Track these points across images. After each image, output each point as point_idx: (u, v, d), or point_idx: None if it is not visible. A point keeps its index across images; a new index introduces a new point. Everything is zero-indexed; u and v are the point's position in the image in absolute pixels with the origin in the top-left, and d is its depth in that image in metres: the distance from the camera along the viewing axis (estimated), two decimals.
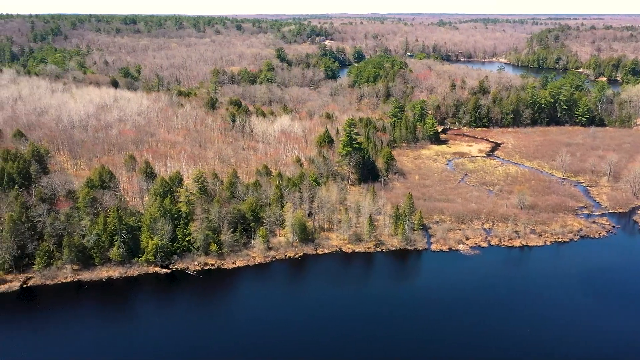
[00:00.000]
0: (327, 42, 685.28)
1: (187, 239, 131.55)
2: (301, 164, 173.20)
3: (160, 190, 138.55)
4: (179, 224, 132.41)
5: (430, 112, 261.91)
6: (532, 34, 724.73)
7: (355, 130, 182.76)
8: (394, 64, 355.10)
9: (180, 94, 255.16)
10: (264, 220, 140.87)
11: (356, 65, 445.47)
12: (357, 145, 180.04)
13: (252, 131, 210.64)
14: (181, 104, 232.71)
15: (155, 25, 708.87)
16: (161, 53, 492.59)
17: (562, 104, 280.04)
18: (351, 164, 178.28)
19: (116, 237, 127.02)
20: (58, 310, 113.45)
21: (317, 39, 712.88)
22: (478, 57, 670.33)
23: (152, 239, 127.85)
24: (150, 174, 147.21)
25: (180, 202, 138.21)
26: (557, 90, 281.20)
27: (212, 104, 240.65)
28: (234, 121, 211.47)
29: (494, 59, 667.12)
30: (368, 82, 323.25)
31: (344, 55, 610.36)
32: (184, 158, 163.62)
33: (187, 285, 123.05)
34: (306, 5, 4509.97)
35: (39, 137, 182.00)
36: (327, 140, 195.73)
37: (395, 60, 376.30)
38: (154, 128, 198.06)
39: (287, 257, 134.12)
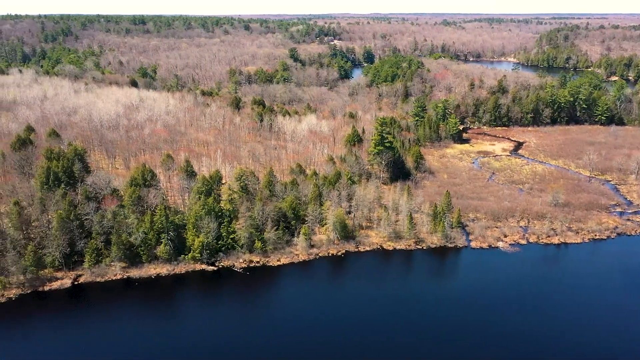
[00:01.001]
0: (336, 42, 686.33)
1: (231, 236, 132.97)
2: (334, 163, 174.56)
3: (203, 189, 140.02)
4: (223, 222, 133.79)
5: (450, 111, 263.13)
6: (541, 34, 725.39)
7: (387, 130, 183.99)
8: (411, 64, 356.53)
9: (203, 93, 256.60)
10: (306, 218, 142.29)
11: (372, 64, 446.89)
12: (388, 144, 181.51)
13: (278, 130, 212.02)
14: (207, 104, 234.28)
15: (164, 25, 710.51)
16: (174, 53, 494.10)
17: (581, 103, 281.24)
18: (383, 162, 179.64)
19: (163, 234, 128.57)
20: (108, 306, 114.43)
21: (326, 38, 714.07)
22: (487, 57, 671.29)
23: (198, 237, 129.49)
24: (191, 173, 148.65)
25: (224, 200, 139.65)
26: (576, 89, 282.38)
27: (237, 104, 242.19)
28: (261, 120, 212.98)
29: (502, 59, 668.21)
30: (386, 81, 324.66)
31: (354, 55, 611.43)
32: (220, 157, 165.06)
33: (233, 283, 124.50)
34: (308, 5, 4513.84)
35: (72, 136, 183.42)
36: (356, 140, 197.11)
37: (412, 60, 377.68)
38: (184, 127, 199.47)
39: (329, 254, 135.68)
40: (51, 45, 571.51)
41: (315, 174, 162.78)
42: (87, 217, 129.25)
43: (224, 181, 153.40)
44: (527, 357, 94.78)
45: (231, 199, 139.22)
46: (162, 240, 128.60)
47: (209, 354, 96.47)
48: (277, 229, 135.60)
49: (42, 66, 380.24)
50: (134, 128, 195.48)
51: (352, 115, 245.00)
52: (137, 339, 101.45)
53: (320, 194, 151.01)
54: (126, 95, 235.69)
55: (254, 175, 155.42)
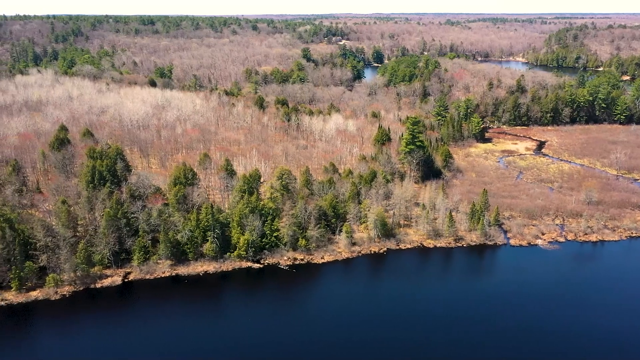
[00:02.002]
0: (344, 42, 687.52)
1: (274, 234, 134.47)
2: (367, 162, 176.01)
3: (245, 187, 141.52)
4: (266, 221, 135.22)
5: (472, 110, 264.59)
6: (550, 33, 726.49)
7: (418, 129, 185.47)
8: (428, 64, 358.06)
9: (226, 93, 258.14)
10: (347, 216, 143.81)
11: (381, 64, 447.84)
12: (419, 143, 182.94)
13: (305, 129, 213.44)
14: (232, 104, 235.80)
15: (173, 25, 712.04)
16: (187, 53, 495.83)
17: (600, 102, 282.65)
18: (414, 161, 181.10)
19: (209, 232, 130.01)
20: (158, 303, 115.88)
21: (334, 38, 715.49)
22: (495, 57, 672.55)
23: (243, 235, 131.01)
24: (231, 172, 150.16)
25: (266, 198, 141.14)
26: (595, 88, 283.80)
27: (261, 103, 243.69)
28: (288, 120, 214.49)
29: (510, 58, 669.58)
30: (403, 81, 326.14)
31: (363, 55, 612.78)
32: (255, 156, 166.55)
33: (278, 280, 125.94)
34: (310, 6, 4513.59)
35: (104, 136, 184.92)
36: (384, 139, 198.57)
37: (429, 60, 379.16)
38: (214, 127, 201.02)
39: (371, 252, 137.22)
40: (62, 46, 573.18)
41: (350, 172, 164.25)
42: (133, 215, 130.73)
43: (262, 180, 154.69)
44: (572, 356, 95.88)
45: (273, 197, 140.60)
46: (208, 238, 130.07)
47: (253, 351, 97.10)
48: (319, 227, 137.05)
49: (59, 67, 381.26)
50: (164, 128, 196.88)
51: (374, 115, 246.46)
52: (185, 336, 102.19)
53: (358, 192, 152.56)
54: (152, 96, 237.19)
55: (290, 174, 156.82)
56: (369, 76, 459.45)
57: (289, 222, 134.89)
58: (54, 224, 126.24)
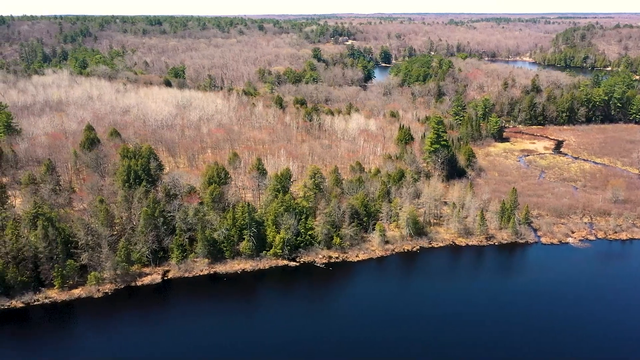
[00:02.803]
0: (351, 42, 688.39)
1: (309, 233, 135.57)
2: (393, 161, 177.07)
3: (278, 186, 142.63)
4: (301, 219, 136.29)
5: (488, 110, 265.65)
6: (557, 33, 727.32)
7: (443, 128, 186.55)
8: (442, 64, 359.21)
9: (245, 93, 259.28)
10: (380, 215, 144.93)
11: (389, 64, 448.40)
12: (444, 143, 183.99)
13: (326, 129, 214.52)
14: (252, 104, 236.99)
15: (180, 26, 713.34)
16: (198, 53, 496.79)
17: (616, 101, 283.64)
18: (439, 160, 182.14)
19: (245, 231, 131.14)
20: (197, 301, 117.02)
21: (340, 38, 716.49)
22: (502, 56, 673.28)
23: (279, 233, 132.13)
24: (262, 171, 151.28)
25: (299, 197, 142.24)
26: (610, 88, 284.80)
27: (280, 103, 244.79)
28: (310, 120, 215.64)
29: (517, 58, 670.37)
30: (418, 80, 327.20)
31: (371, 55, 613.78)
32: (284, 155, 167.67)
33: (315, 278, 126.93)
34: (312, 5, 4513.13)
35: (130, 136, 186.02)
36: (407, 138, 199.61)
37: (443, 60, 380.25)
38: (238, 127, 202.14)
39: (404, 250, 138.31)
40: (71, 46, 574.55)
41: (378, 171, 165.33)
42: (170, 214, 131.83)
43: (293, 179, 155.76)
44: (609, 354, 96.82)
45: (307, 196, 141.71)
46: (245, 236, 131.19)
47: (288, 347, 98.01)
48: (353, 225, 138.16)
49: (71, 67, 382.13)
50: (188, 127, 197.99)
51: (393, 115, 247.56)
52: (222, 333, 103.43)
53: (388, 191, 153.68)
54: (172, 96, 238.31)
55: (320, 173, 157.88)
56: (378, 76, 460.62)
57: (323, 221, 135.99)
58: (92, 222, 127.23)
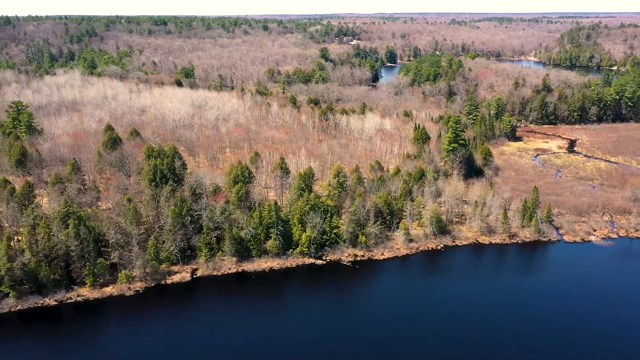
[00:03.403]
0: (356, 42, 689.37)
1: (334, 231, 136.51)
2: (412, 160, 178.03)
3: (303, 185, 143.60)
4: (326, 218, 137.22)
5: (501, 109, 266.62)
6: (562, 33, 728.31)
7: (461, 127, 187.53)
8: (452, 63, 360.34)
9: (259, 93, 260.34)
10: (403, 213, 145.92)
11: (407, 63, 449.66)
12: (462, 142, 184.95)
13: (342, 128, 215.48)
14: (268, 103, 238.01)
15: (185, 26, 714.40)
16: (205, 53, 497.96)
17: (627, 101, 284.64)
18: (457, 159, 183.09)
19: (272, 229, 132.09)
20: (227, 299, 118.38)
21: (345, 38, 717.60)
22: (506, 56, 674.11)
23: (305, 232, 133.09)
24: (286, 170, 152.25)
25: (324, 196, 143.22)
26: (621, 87, 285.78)
27: (294, 103, 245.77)
28: (326, 119, 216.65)
29: (522, 58, 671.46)
30: (428, 80, 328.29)
31: (377, 55, 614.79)
32: (304, 154, 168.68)
33: (342, 276, 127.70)
34: (313, 5, 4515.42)
35: (149, 135, 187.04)
36: (424, 138, 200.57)
37: (453, 60, 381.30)
38: (256, 126, 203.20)
39: (429, 248, 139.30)
40: (77, 47, 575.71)
41: (398, 170, 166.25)
42: (197, 213, 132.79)
43: (315, 177, 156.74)
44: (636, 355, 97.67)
45: (331, 194, 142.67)
46: (271, 235, 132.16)
47: (312, 346, 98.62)
48: (378, 224, 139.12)
49: (80, 67, 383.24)
50: (205, 127, 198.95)
51: (406, 114, 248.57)
52: (251, 331, 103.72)
53: (410, 190, 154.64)
54: (187, 95, 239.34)
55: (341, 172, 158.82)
56: (384, 76, 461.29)
57: (348, 219, 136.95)
58: (120, 221, 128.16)
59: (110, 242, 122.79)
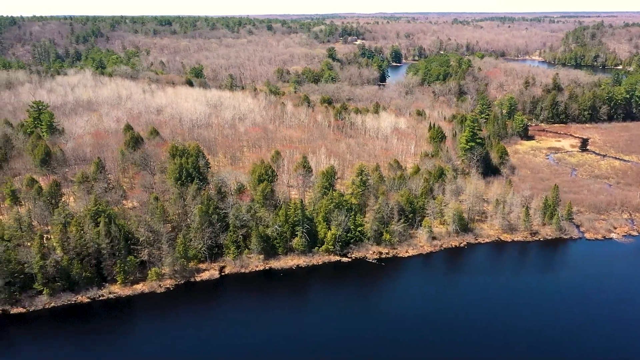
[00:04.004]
0: (360, 42, 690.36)
1: (358, 229, 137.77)
2: (430, 158, 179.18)
3: (327, 183, 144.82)
4: (349, 216, 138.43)
5: (513, 108, 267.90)
6: (567, 32, 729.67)
7: (478, 126, 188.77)
8: (461, 63, 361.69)
9: (272, 92, 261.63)
10: (426, 211, 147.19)
11: (415, 63, 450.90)
12: (479, 141, 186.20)
13: (357, 127, 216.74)
14: (282, 103, 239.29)
15: (190, 26, 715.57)
16: (213, 53, 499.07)
17: (637, 99, 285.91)
18: (475, 158, 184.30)
19: (297, 227, 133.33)
20: (256, 296, 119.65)
21: (349, 38, 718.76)
22: (511, 55, 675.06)
23: (330, 230, 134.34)
24: (308, 169, 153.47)
25: (347, 194, 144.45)
26: (631, 86, 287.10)
27: (308, 102, 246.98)
28: (342, 118, 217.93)
29: (526, 57, 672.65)
30: (438, 79, 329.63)
31: (382, 54, 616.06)
32: (324, 153, 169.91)
33: (367, 273, 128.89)
34: (314, 5, 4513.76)
35: (168, 134, 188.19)
36: (440, 137, 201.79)
37: (462, 59, 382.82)
38: (273, 125, 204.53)
39: (452, 246, 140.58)
40: (84, 47, 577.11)
41: (418, 169, 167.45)
42: (224, 211, 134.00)
43: (337, 176, 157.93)
44: None
45: (355, 193, 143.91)
46: (297, 233, 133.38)
47: (337, 343, 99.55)
48: (402, 222, 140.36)
49: (89, 67, 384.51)
50: (222, 126, 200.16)
51: (419, 113, 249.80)
52: (279, 328, 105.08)
53: (431, 188, 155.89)
54: (202, 95, 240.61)
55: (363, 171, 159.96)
56: (391, 75, 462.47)
57: (372, 217, 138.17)
58: (147, 219, 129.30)
59: (140, 240, 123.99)
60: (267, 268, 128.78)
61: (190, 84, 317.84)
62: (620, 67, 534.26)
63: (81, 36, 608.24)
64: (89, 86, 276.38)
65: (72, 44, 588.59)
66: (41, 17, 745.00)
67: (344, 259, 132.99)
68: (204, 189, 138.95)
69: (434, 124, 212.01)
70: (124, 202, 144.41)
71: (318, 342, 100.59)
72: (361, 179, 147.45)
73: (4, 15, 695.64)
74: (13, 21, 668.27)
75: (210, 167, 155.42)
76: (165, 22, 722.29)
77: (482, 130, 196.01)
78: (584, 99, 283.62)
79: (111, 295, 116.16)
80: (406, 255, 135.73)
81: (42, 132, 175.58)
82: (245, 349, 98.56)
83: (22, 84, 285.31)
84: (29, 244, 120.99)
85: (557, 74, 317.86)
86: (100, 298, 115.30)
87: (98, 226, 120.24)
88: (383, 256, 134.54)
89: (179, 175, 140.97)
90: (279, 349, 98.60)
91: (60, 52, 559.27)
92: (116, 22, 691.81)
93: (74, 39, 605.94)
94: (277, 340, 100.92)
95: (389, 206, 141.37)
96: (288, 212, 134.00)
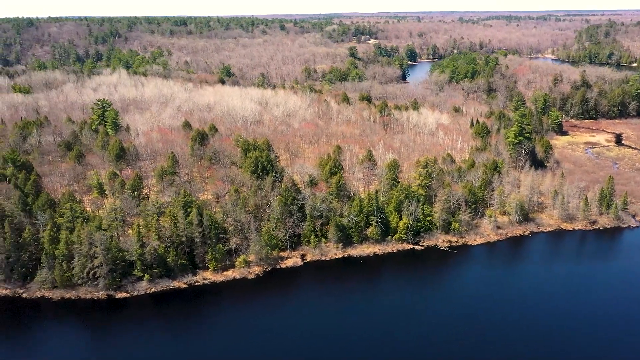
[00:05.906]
0: (373, 41, 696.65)
1: (427, 219, 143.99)
2: (479, 152, 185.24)
3: (394, 176, 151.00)
4: (418, 206, 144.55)
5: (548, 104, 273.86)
6: (580, 30, 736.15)
7: (527, 121, 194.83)
8: (488, 61, 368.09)
9: (311, 90, 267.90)
10: (487, 202, 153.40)
11: (440, 62, 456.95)
12: (527, 135, 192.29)
13: (402, 123, 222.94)
14: (326, 100, 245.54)
15: (205, 26, 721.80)
16: (234, 53, 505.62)
17: None
18: (523, 152, 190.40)
19: (372, 217, 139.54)
20: (336, 282, 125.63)
21: (363, 37, 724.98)
22: (523, 53, 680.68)
23: (401, 219, 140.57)
24: (373, 162, 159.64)
25: (415, 185, 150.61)
26: None
27: (347, 99, 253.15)
28: (388, 114, 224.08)
29: (539, 55, 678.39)
30: (466, 77, 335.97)
31: (398, 53, 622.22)
32: (382, 148, 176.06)
33: (441, 260, 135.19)
34: (315, 5, 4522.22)
35: (225, 131, 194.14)
36: (485, 132, 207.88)
37: (489, 57, 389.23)
38: (323, 122, 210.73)
39: (517, 234, 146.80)
40: (103, 47, 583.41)
41: (473, 162, 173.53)
42: (301, 202, 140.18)
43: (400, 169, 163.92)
44: None
45: (422, 184, 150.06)
46: (371, 222, 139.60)
47: (399, 332, 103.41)
48: (468, 211, 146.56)
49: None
50: (273, 123, 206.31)
51: (456, 110, 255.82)
52: (345, 316, 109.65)
53: (490, 180, 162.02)
54: (245, 93, 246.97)
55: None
56: (410, 74, 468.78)
57: (441, 207, 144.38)
58: (231, 210, 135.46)
59: (227, 229, 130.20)
60: (345, 256, 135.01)
61: (222, 82, 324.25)
62: (635, 64, 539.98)
63: (99, 37, 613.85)
64: (129, 85, 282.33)
65: (91, 45, 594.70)
66: (57, 18, 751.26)
67: (417, 247, 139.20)
68: (280, 182, 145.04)
69: (477, 120, 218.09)
70: (199, 195, 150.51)
71: (384, 332, 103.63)
72: (427, 171, 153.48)
73: (21, 17, 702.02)
74: (30, 22, 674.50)
75: (279, 161, 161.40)
76: (181, 23, 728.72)
77: (530, 125, 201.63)
78: (613, 95, 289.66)
79: (206, 281, 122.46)
80: (475, 243, 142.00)
81: (108, 129, 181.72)
82: (314, 335, 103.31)
83: (62, 83, 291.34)
84: (117, 233, 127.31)
85: (584, 70, 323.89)
86: (196, 284, 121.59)
87: (188, 216, 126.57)
88: (453, 244, 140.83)
89: (254, 168, 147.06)
90: (345, 336, 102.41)
91: (80, 52, 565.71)
92: (132, 23, 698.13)
93: (92, 39, 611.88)
94: (344, 328, 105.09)
95: (455, 197, 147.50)
96: (362, 203, 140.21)
